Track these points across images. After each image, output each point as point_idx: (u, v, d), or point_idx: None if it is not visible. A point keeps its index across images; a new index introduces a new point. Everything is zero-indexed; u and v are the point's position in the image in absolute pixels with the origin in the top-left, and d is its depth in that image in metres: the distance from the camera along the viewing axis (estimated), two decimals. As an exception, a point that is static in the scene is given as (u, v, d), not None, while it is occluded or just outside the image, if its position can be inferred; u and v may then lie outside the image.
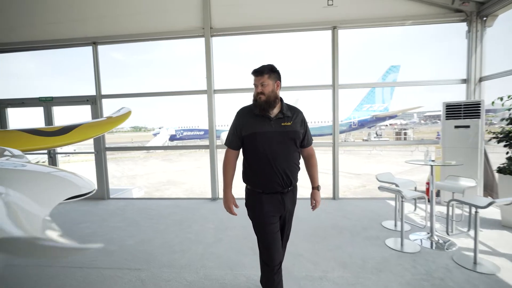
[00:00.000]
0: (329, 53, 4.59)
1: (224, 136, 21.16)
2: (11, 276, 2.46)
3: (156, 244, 3.07)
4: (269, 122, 1.66)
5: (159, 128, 27.69)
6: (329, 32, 4.58)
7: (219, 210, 4.22)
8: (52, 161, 5.41)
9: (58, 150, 5.55)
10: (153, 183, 8.95)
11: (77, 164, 13.23)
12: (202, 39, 4.76)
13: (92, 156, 5.36)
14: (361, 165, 12.37)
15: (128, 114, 2.12)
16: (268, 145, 1.63)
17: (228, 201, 1.79)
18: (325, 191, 4.50)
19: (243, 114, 1.75)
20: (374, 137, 25.61)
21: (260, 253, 1.76)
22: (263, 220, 1.70)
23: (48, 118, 5.37)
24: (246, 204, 1.79)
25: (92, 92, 5.15)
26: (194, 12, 4.74)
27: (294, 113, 1.73)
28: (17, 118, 5.75)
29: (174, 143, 23.83)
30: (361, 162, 13.39)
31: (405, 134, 24.40)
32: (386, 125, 31.48)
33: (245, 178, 1.78)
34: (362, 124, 22.36)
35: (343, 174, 9.24)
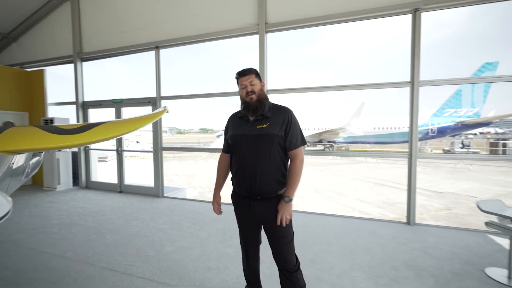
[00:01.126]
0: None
1: None
2: (49, 270, 2.51)
3: (192, 256, 2.82)
4: (246, 125, 1.64)
5: (222, 130, 29.18)
6: (408, 16, 3.71)
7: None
8: (120, 157, 5.88)
9: (124, 147, 6.01)
10: (208, 184, 9.17)
11: (140, 161, 14.71)
12: (257, 37, 4.45)
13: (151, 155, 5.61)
14: (443, 181, 10.26)
15: (160, 112, 1.87)
16: (240, 147, 1.64)
17: (214, 200, 1.89)
18: (397, 212, 3.59)
19: (230, 119, 1.80)
20: (460, 148, 21.44)
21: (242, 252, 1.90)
22: (238, 219, 1.80)
23: (118, 117, 5.87)
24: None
25: (154, 94, 5.40)
26: (249, 7, 4.47)
27: (277, 113, 1.63)
28: (97, 117, 6.49)
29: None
30: (442, 177, 11.15)
31: (504, 145, 19.68)
32: (475, 134, 26.13)
33: (231, 177, 1.82)
34: (442, 131, 18.96)
35: (420, 191, 7.72)
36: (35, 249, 2.99)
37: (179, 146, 15.09)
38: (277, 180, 1.61)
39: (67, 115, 6.26)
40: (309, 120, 22.90)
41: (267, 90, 4.46)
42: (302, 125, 1.73)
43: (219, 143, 25.08)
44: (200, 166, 15.21)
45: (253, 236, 1.79)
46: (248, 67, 1.69)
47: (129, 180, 6.08)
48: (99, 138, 1.51)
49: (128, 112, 5.89)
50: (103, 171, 7.34)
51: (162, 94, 5.39)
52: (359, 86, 4.24)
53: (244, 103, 1.64)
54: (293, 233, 1.69)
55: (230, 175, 1.84)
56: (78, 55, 6.07)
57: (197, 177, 11.07)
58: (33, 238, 3.30)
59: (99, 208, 4.57)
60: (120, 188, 5.87)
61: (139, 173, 9.51)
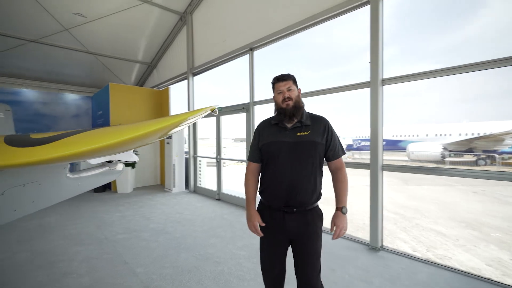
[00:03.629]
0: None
1: (411, 148, 17.15)
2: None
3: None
4: (285, 131, 1.54)
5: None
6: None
7: (385, 273, 2.49)
8: (218, 165, 5.91)
9: (223, 155, 6.01)
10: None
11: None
12: (367, 8, 3.22)
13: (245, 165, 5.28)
14: None
15: (186, 115, 1.20)
16: (278, 155, 1.51)
17: (252, 218, 1.60)
18: None
19: (263, 126, 1.69)
20: None
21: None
22: (264, 234, 1.59)
23: (218, 126, 5.95)
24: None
25: (248, 99, 5.07)
26: (355, -30, 3.30)
27: (315, 121, 1.56)
28: (200, 126, 6.93)
29: (348, 154, 22.28)
30: None
31: None
32: None
33: (260, 190, 1.66)
34: None
35: None
36: (120, 255, 3.04)
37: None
38: (316, 190, 1.54)
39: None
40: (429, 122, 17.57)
41: (383, 80, 3.11)
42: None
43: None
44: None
45: (280, 259, 1.61)
46: (286, 72, 1.62)
47: (229, 187, 6.05)
48: (71, 152, 0.96)
49: (225, 120, 5.88)
50: (213, 176, 7.82)
51: (256, 99, 4.97)
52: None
53: (279, 109, 1.57)
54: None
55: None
56: (190, 71, 6.67)
57: None
58: (126, 242, 3.46)
59: (192, 217, 4.57)
60: (218, 196, 5.87)
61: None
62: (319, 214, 1.58)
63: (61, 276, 2.59)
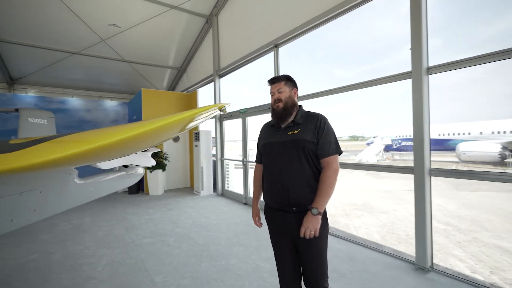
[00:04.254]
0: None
1: (463, 147, 15.28)
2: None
3: None
4: (278, 132, 1.58)
5: (373, 137, 25.67)
6: None
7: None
8: (245, 168, 5.74)
9: (249, 158, 5.82)
10: (344, 203, 7.56)
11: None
12: (407, -14, 2.77)
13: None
14: None
15: (183, 116, 1.02)
16: (272, 155, 1.55)
17: (253, 213, 1.79)
18: None
19: (262, 128, 1.74)
20: None
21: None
22: (271, 236, 1.66)
23: (244, 127, 5.79)
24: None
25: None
26: None
27: (308, 120, 1.54)
28: (227, 128, 6.83)
29: (388, 155, 20.73)
30: None
31: None
32: None
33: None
34: None
35: None
36: (142, 262, 2.99)
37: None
38: (312, 190, 1.48)
39: (213, 128, 6.98)
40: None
41: (428, 68, 2.63)
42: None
43: (368, 152, 21.82)
44: (340, 178, 13.51)
45: (289, 258, 1.57)
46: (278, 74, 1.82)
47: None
48: (40, 161, 0.81)
49: (252, 122, 5.68)
50: (241, 179, 7.68)
51: (282, 98, 4.70)
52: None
53: (272, 110, 1.62)
54: (327, 252, 1.54)
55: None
56: (217, 72, 6.63)
57: (334, 193, 9.52)
58: (150, 247, 3.42)
59: (218, 221, 4.44)
60: (245, 200, 5.69)
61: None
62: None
63: (83, 281, 2.60)
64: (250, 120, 5.71)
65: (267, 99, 5.06)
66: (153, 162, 2.56)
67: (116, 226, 4.30)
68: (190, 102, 7.89)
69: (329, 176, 1.47)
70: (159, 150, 4.34)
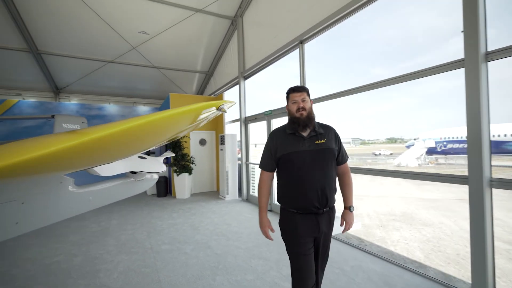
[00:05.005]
0: None
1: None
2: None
3: None
4: (303, 141, 1.64)
5: (414, 140, 23.64)
6: None
7: None
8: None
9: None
10: (380, 213, 6.83)
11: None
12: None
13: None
14: None
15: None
16: (303, 164, 1.60)
17: (264, 225, 1.77)
18: None
19: (277, 135, 1.73)
20: None
21: (292, 276, 1.69)
22: (296, 241, 1.65)
23: (269, 130, 5.53)
24: (280, 224, 1.75)
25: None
26: None
27: (326, 130, 1.70)
28: (253, 131, 6.61)
29: (431, 159, 18.86)
30: None
31: None
32: None
33: (280, 198, 1.73)
34: None
35: None
36: (157, 271, 2.87)
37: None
38: (336, 191, 1.69)
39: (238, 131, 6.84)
40: None
41: (487, 53, 2.13)
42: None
43: (408, 156, 20.01)
44: (376, 184, 12.47)
45: (312, 258, 1.66)
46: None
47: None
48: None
49: (277, 124, 5.40)
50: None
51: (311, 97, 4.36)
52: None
53: (293, 118, 1.66)
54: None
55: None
56: (242, 74, 6.48)
57: (368, 200, 8.74)
58: (167, 254, 3.31)
59: (239, 229, 4.22)
60: (270, 206, 5.40)
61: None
62: (334, 211, 1.73)
63: (97, 289, 2.54)
64: (275, 122, 5.43)
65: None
66: (163, 168, 2.42)
67: (139, 230, 4.31)
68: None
69: (351, 179, 1.79)
70: (173, 154, 4.25)
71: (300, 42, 4.41)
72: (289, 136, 1.66)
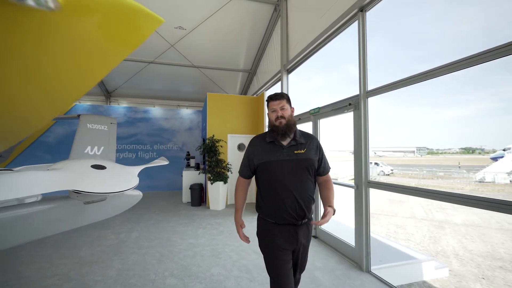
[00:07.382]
0: None
1: None
2: None
3: None
4: (282, 150, 1.61)
5: (503, 150, 18.90)
6: None
7: None
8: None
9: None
10: (475, 253, 4.82)
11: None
12: None
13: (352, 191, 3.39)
14: None
15: None
16: (280, 173, 1.57)
17: (236, 224, 1.76)
18: None
19: (256, 143, 1.71)
20: None
21: (270, 286, 1.61)
22: (273, 252, 1.59)
23: (315, 133, 4.34)
24: (258, 234, 1.70)
25: (356, 90, 3.26)
26: None
27: (308, 139, 1.67)
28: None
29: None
30: None
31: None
32: None
33: (258, 207, 1.70)
34: None
35: None
36: None
37: (393, 183, 10.55)
38: (314, 202, 1.64)
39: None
40: None
41: None
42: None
43: (498, 169, 15.94)
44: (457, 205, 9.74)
45: (290, 272, 1.60)
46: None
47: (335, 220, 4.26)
48: None
49: (325, 124, 4.19)
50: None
51: (370, 87, 3.09)
52: None
53: (272, 126, 1.63)
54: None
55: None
56: (284, 67, 5.46)
57: (451, 229, 6.54)
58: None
59: (270, 264, 3.16)
60: (315, 232, 4.19)
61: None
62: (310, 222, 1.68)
63: None
64: (324, 123, 4.23)
65: (347, 91, 3.50)
66: (130, 185, 1.57)
67: (154, 249, 3.64)
68: (258, 105, 6.96)
69: (333, 185, 1.73)
70: (167, 162, 3.41)
71: (360, 10, 3.18)
72: (268, 144, 1.63)
